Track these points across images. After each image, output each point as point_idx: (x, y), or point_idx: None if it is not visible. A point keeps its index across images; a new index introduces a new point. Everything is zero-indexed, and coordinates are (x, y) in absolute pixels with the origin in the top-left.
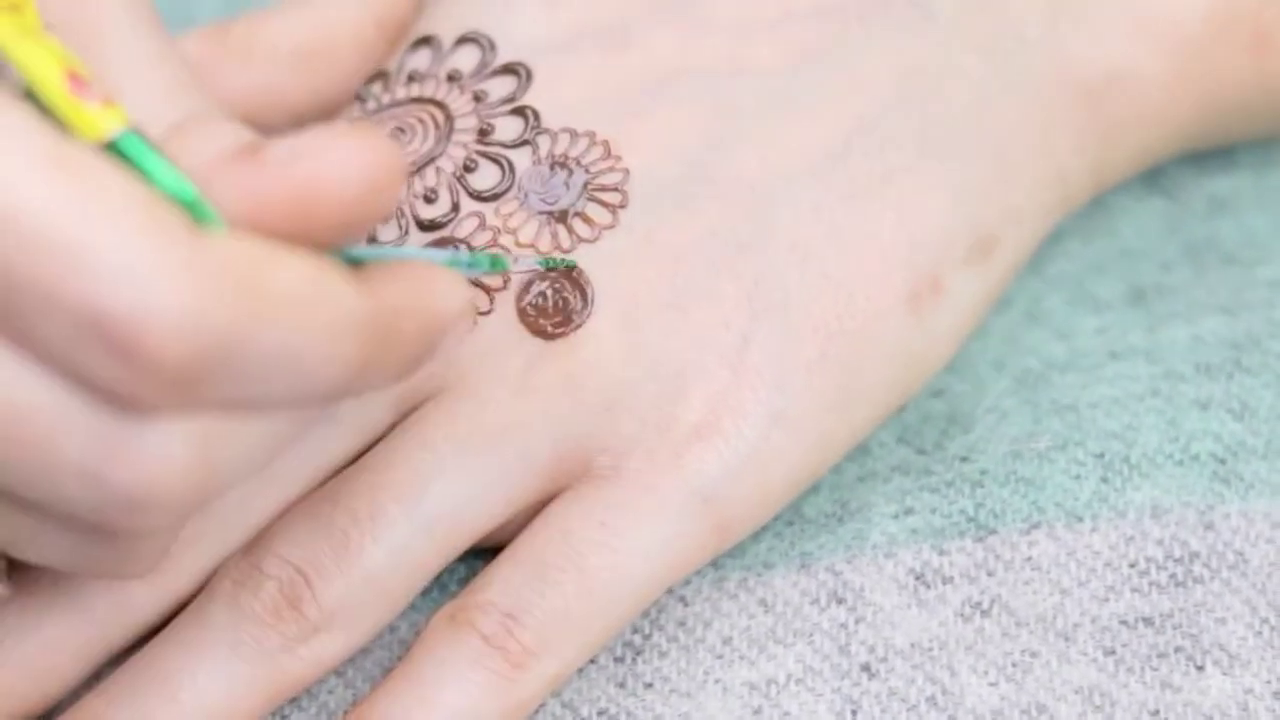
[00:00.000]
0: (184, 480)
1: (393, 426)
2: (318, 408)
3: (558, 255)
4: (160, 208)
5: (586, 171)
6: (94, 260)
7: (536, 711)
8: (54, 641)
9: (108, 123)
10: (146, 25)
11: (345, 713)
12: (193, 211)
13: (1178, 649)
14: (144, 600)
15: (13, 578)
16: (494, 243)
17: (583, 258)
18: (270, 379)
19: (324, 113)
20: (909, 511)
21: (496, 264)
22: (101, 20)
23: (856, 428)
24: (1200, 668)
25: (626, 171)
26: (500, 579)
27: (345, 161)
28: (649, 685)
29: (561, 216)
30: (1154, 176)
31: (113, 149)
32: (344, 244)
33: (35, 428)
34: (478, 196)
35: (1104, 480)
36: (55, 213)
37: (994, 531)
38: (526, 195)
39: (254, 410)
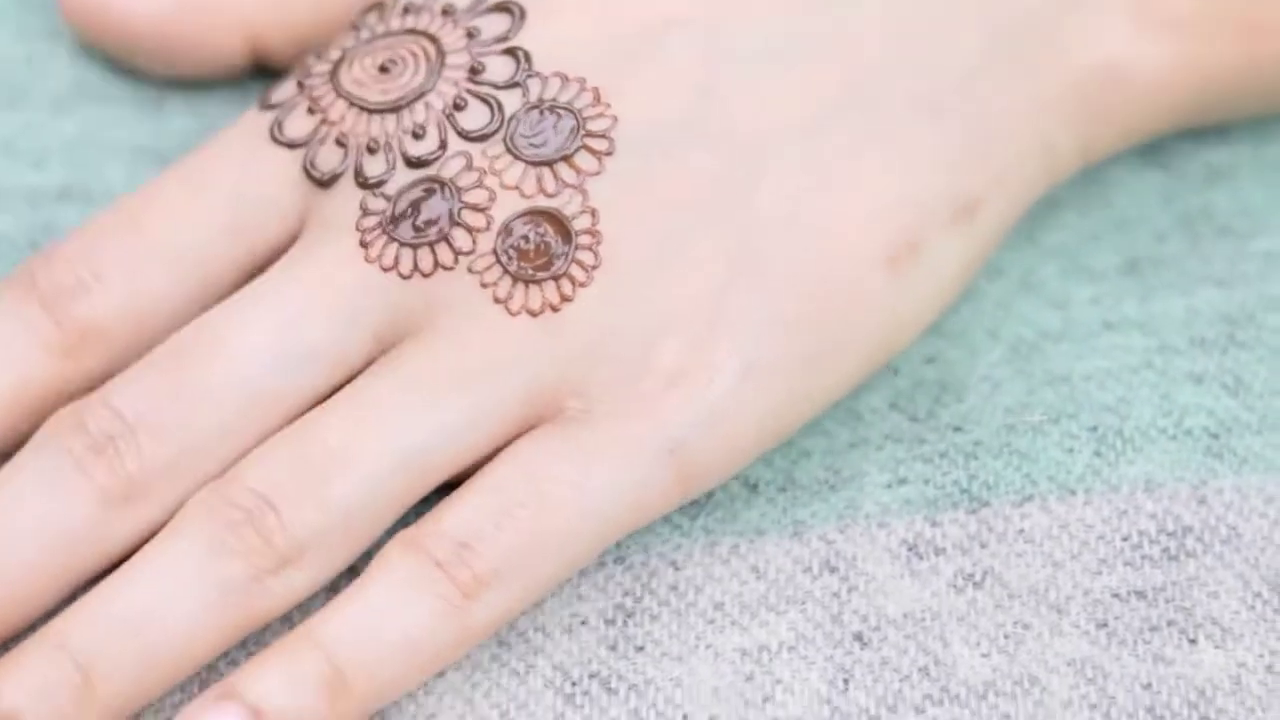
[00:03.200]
0: None
1: (370, 362)
2: None
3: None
4: None
5: (576, 118)
6: None
7: (525, 672)
8: (27, 566)
9: None
10: None
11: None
12: None
13: (1170, 622)
14: (118, 527)
15: None
16: (480, 184)
17: (566, 204)
18: None
19: (329, 35)
20: (902, 481)
21: None
22: None
23: (831, 386)
24: (1193, 641)
25: (615, 119)
26: (459, 509)
27: None
28: (640, 648)
29: (548, 162)
30: (1150, 147)
31: None
32: None
33: None
34: (466, 136)
35: (1097, 454)
36: None
37: (987, 503)
38: (514, 138)
39: None
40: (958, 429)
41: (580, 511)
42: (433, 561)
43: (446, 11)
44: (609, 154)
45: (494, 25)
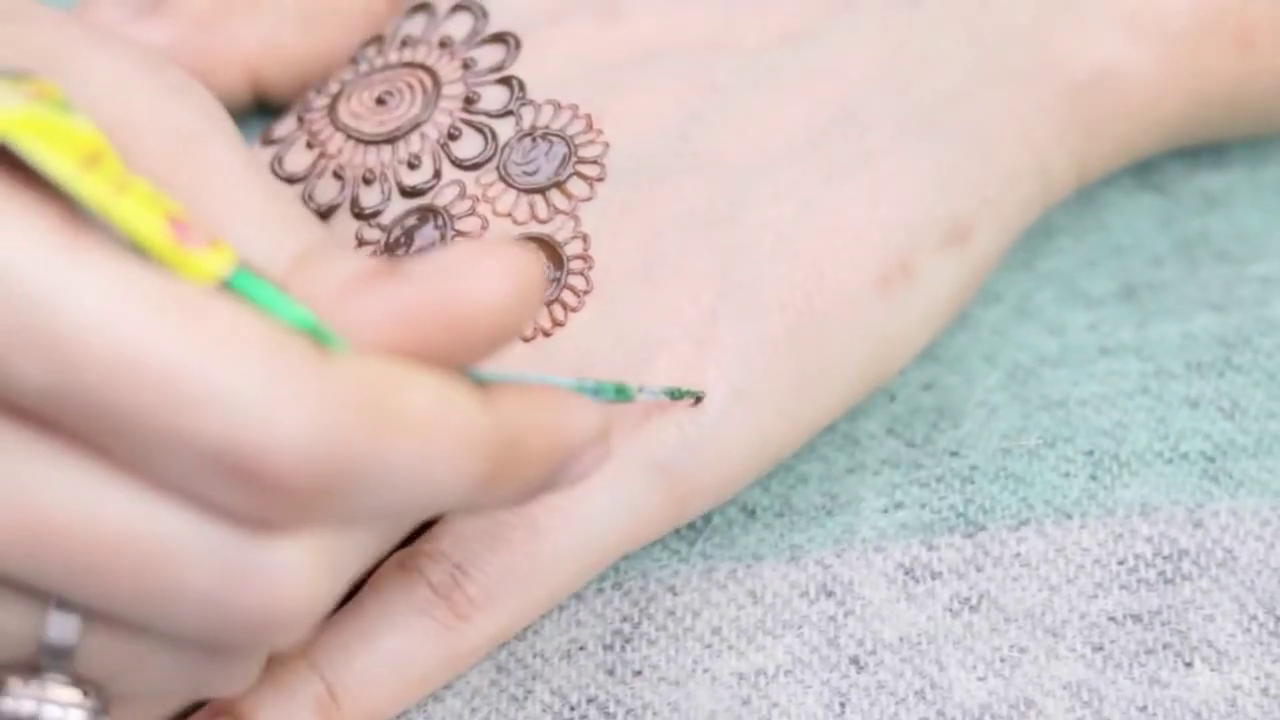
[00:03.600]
0: (310, 595)
1: None
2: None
3: (682, 386)
4: (280, 337)
5: (568, 145)
6: (216, 395)
7: (524, 697)
8: None
9: (215, 263)
10: (252, 162)
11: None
12: (315, 338)
13: (1166, 646)
14: None
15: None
16: (472, 212)
17: (558, 230)
18: (396, 495)
19: (326, 68)
20: (899, 506)
21: (621, 393)
22: (209, 161)
23: (822, 408)
24: (1189, 664)
25: (606, 145)
26: (453, 531)
27: (490, 277)
28: (638, 673)
29: (540, 189)
30: (1146, 172)
31: (226, 287)
32: (471, 365)
33: (158, 556)
34: (459, 165)
35: (1093, 478)
36: (175, 352)
37: (983, 528)
38: (507, 166)
39: (378, 520)
40: (954, 454)
41: (569, 534)
42: (427, 583)
43: (444, 44)
44: (600, 180)
45: (489, 56)
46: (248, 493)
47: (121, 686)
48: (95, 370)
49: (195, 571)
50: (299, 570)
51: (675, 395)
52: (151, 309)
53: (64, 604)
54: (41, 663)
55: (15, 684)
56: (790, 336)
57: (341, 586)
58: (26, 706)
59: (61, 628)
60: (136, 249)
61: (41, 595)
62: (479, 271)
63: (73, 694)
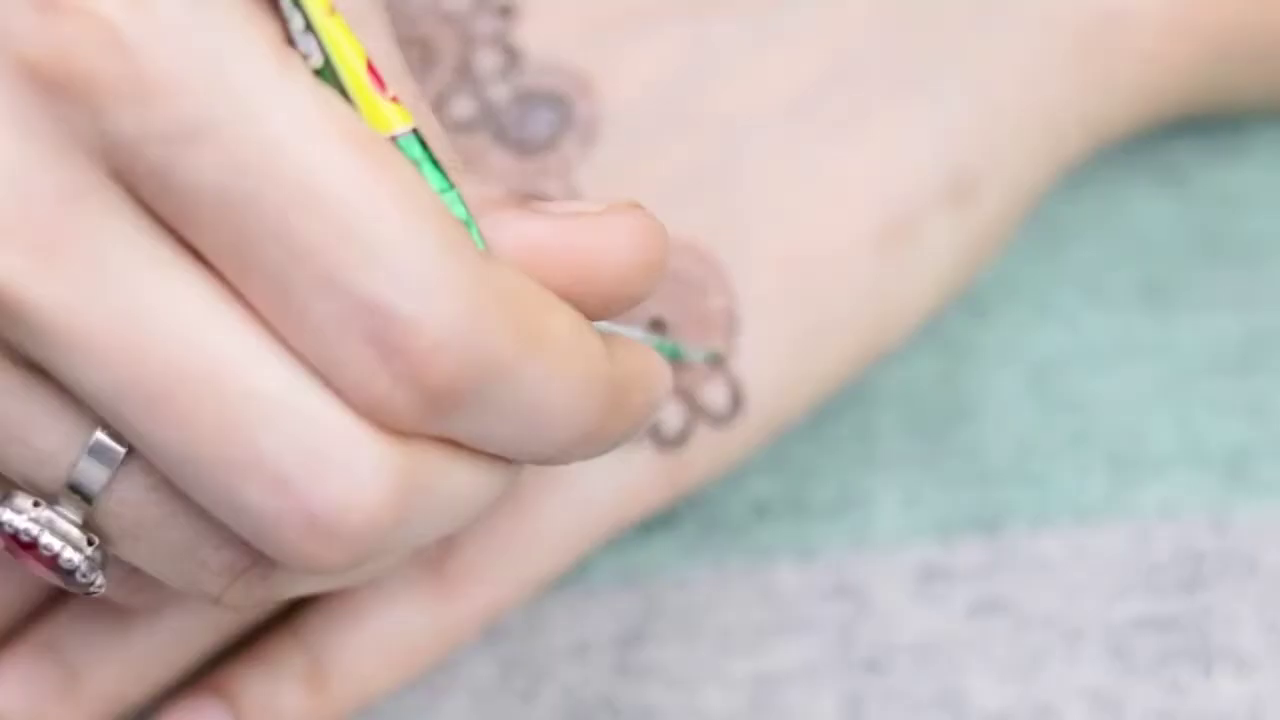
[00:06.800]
0: (387, 510)
1: None
2: (531, 463)
3: (713, 348)
4: (451, 214)
5: (561, 106)
6: (386, 249)
7: (533, 696)
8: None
9: (397, 120)
10: (404, 60)
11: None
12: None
13: (1186, 652)
14: None
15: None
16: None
17: (548, 192)
18: (517, 419)
19: None
20: (915, 505)
21: (674, 355)
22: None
23: (821, 374)
24: (1209, 671)
25: (600, 107)
26: None
27: (622, 238)
28: (648, 672)
29: (532, 151)
30: (1168, 170)
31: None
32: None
33: (242, 407)
34: (452, 127)
35: (1114, 479)
36: (355, 193)
37: (1002, 529)
38: (500, 129)
39: (480, 455)
40: (972, 452)
41: (562, 504)
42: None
43: (446, 16)
44: (592, 141)
45: (489, 23)
46: (379, 364)
47: (127, 551)
48: (273, 185)
49: (277, 439)
50: (386, 477)
51: (711, 359)
52: (345, 143)
53: (112, 433)
54: (60, 494)
55: (23, 501)
56: (786, 294)
57: (409, 526)
58: (27, 526)
59: (100, 455)
60: (331, 84)
61: (94, 420)
62: (612, 229)
63: (79, 535)
